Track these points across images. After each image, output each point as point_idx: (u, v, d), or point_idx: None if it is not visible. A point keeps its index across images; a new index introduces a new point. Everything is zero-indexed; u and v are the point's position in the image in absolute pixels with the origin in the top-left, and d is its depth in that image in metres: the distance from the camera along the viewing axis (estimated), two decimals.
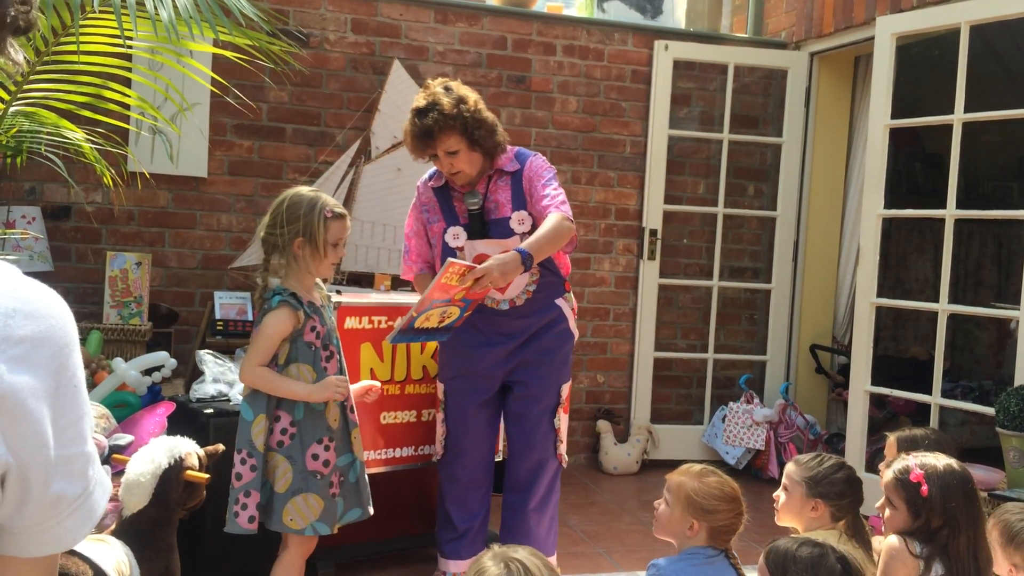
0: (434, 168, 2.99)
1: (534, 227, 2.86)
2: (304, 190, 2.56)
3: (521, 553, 1.61)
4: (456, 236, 2.89)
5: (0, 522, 0.64)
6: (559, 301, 2.99)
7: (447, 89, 2.83)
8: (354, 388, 2.71)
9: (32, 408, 0.62)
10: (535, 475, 3.02)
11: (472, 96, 2.85)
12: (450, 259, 2.53)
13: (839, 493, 2.38)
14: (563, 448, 3.07)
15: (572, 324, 3.04)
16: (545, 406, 2.99)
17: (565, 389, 3.04)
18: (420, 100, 2.82)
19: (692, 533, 2.22)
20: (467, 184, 2.89)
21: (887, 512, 2.26)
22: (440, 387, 3.08)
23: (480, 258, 2.82)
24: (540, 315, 2.95)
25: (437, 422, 3.12)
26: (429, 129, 2.76)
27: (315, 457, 2.49)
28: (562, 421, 3.04)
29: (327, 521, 2.51)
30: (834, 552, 1.92)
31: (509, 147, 2.96)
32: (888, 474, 2.28)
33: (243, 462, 2.46)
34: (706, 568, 2.19)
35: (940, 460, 2.23)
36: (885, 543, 2.20)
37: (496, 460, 3.23)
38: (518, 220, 2.87)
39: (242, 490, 2.45)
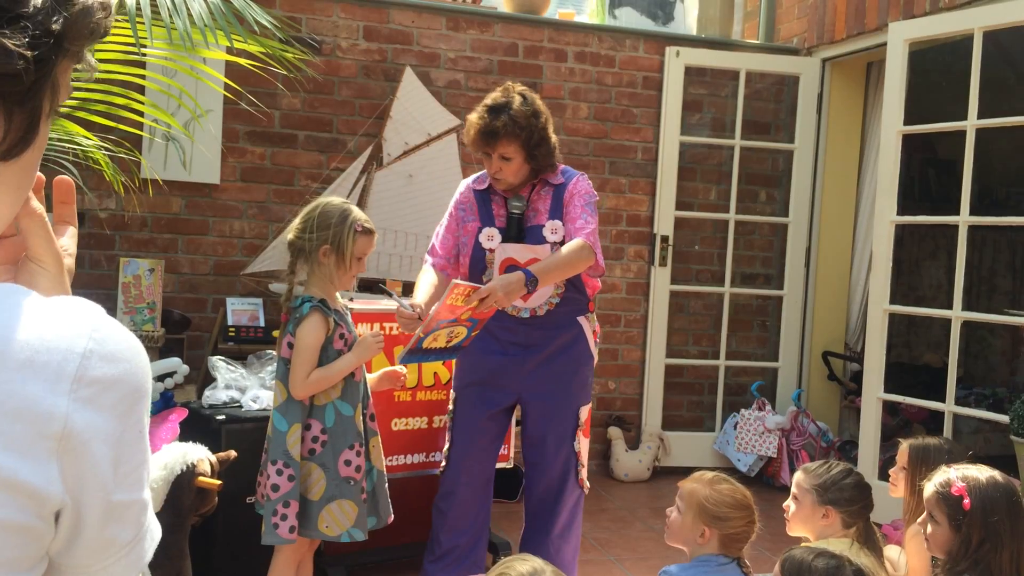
0: (480, 172, 3.00)
1: (564, 239, 2.85)
2: (336, 200, 2.60)
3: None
4: (491, 238, 2.87)
5: (51, 557, 0.64)
6: (581, 319, 2.96)
7: (524, 98, 2.82)
8: (373, 377, 2.71)
9: (95, 450, 0.62)
10: (556, 501, 2.95)
11: (545, 113, 2.86)
12: (454, 280, 2.52)
13: (849, 499, 2.36)
14: (584, 473, 2.99)
15: (592, 346, 3.00)
16: (564, 429, 2.93)
17: (584, 412, 2.98)
18: (497, 97, 2.81)
19: (704, 540, 2.21)
20: (508, 190, 2.89)
21: (929, 528, 2.17)
22: (452, 395, 3.04)
23: (508, 262, 2.82)
24: (559, 330, 2.91)
25: (445, 431, 3.08)
26: (495, 130, 2.75)
27: (347, 463, 2.50)
28: (582, 445, 2.98)
29: (361, 527, 2.52)
30: (850, 564, 1.90)
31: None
32: (929, 488, 2.19)
33: (279, 472, 2.45)
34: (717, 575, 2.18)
35: (983, 472, 2.15)
36: None
37: (500, 467, 3.20)
38: (551, 229, 2.86)
39: (280, 501, 2.44)
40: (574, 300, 2.93)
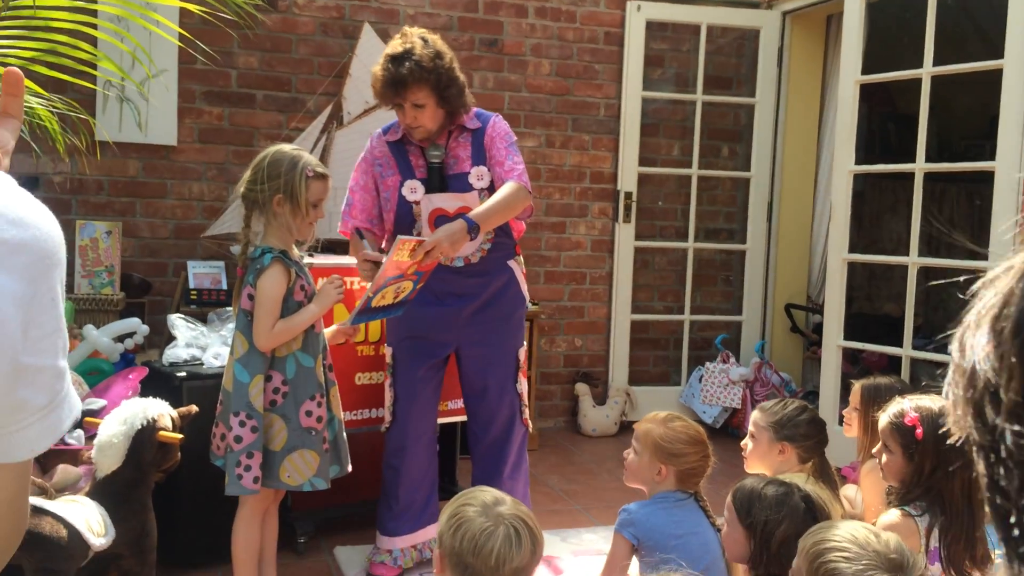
0: (391, 122, 2.96)
1: (492, 184, 2.85)
2: (286, 147, 2.56)
3: (508, 506, 1.63)
4: (413, 190, 2.84)
5: None
6: (511, 263, 2.96)
7: (425, 41, 2.77)
8: (330, 330, 2.72)
9: (2, 310, 0.62)
10: (504, 443, 2.98)
11: (449, 53, 2.81)
12: (400, 236, 2.51)
13: (804, 435, 2.41)
14: (527, 413, 3.03)
15: (524, 287, 3.02)
16: (505, 372, 2.95)
17: (522, 353, 3.01)
18: (396, 46, 2.75)
19: (661, 478, 2.25)
20: (425, 139, 2.85)
21: (884, 457, 2.23)
22: (388, 351, 3.00)
23: (437, 212, 2.81)
24: (493, 276, 2.91)
25: (385, 388, 3.04)
26: (402, 78, 2.70)
27: (308, 414, 2.50)
28: (523, 385, 3.01)
29: (323, 476, 2.53)
30: (799, 491, 1.95)
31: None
32: (883, 419, 2.24)
33: (242, 424, 2.44)
34: (676, 511, 2.22)
35: (936, 402, 2.18)
36: (883, 520, 2.14)
37: (443, 422, 3.21)
38: (477, 176, 2.84)
39: (243, 452, 2.44)
40: (504, 245, 2.94)
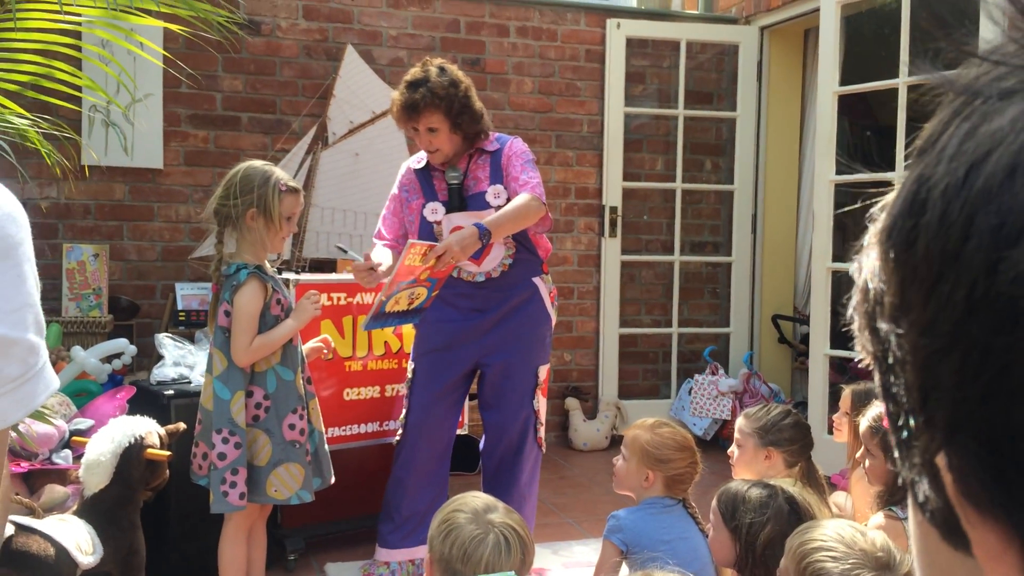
0: (420, 152, 3.03)
1: (509, 200, 2.89)
2: (257, 163, 2.59)
3: (500, 514, 1.64)
4: (435, 211, 2.92)
5: None
6: (536, 280, 2.99)
7: (442, 70, 2.88)
8: (307, 347, 2.72)
9: None
10: (516, 460, 2.98)
11: (464, 82, 2.91)
12: (410, 240, 2.56)
13: (789, 439, 2.43)
14: (542, 432, 3.03)
15: (549, 306, 3.03)
16: (523, 386, 2.96)
17: (543, 371, 3.01)
18: (416, 73, 2.88)
19: (648, 484, 2.27)
20: (444, 162, 2.93)
21: (867, 462, 2.26)
22: (411, 365, 3.04)
23: (456, 230, 2.84)
24: (516, 290, 2.94)
25: (402, 401, 3.09)
26: (415, 103, 2.81)
27: (292, 427, 2.51)
28: (540, 404, 3.01)
29: (308, 488, 2.54)
30: (783, 493, 1.97)
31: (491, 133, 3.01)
32: (863, 423, 2.27)
33: (225, 441, 2.44)
34: (664, 516, 2.24)
35: None
36: (870, 522, 2.15)
37: (460, 434, 3.24)
38: (494, 194, 2.90)
39: (228, 468, 2.44)
40: (527, 261, 2.97)
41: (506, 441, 2.98)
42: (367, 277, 2.69)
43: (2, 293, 0.65)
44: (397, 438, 3.05)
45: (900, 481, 0.39)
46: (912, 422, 0.37)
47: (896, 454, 0.39)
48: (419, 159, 3.04)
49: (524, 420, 2.97)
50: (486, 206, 2.89)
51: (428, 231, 2.91)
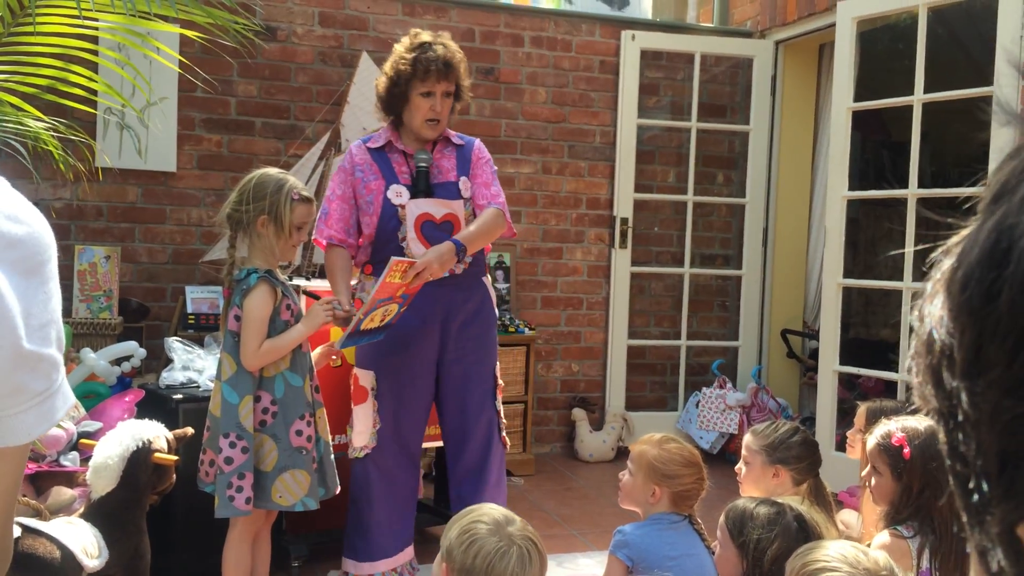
0: (369, 135, 2.99)
1: (472, 198, 2.92)
2: (272, 171, 2.60)
3: (518, 527, 1.64)
4: (399, 194, 2.84)
5: None
6: (484, 280, 3.00)
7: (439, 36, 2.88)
8: (316, 353, 2.72)
9: (5, 297, 0.64)
10: (484, 460, 2.96)
11: None
12: (393, 257, 2.51)
13: (797, 457, 2.41)
14: (504, 432, 3.03)
15: (495, 306, 3.06)
16: (484, 389, 2.96)
17: (498, 370, 3.03)
18: (424, 36, 2.82)
19: (655, 500, 2.26)
20: (429, 142, 2.90)
21: (873, 480, 2.23)
22: (369, 374, 2.88)
23: (424, 217, 2.84)
24: (473, 291, 2.92)
25: (362, 413, 2.90)
26: (449, 61, 2.76)
27: (299, 433, 2.51)
28: (500, 403, 3.02)
29: (313, 496, 2.53)
30: (791, 511, 1.95)
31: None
32: (871, 441, 2.24)
33: (232, 445, 2.44)
34: (670, 532, 2.23)
35: (922, 422, 2.18)
36: (875, 541, 2.13)
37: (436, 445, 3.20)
38: (464, 186, 2.90)
39: (234, 473, 2.44)
40: (478, 261, 2.96)
41: (472, 445, 2.95)
42: (346, 321, 2.62)
43: (31, 310, 0.66)
44: (367, 451, 2.89)
45: (969, 548, 0.37)
46: (986, 487, 0.34)
47: (965, 518, 0.37)
48: (374, 139, 2.93)
49: (487, 422, 2.97)
50: (457, 195, 2.88)
51: (392, 214, 2.83)
